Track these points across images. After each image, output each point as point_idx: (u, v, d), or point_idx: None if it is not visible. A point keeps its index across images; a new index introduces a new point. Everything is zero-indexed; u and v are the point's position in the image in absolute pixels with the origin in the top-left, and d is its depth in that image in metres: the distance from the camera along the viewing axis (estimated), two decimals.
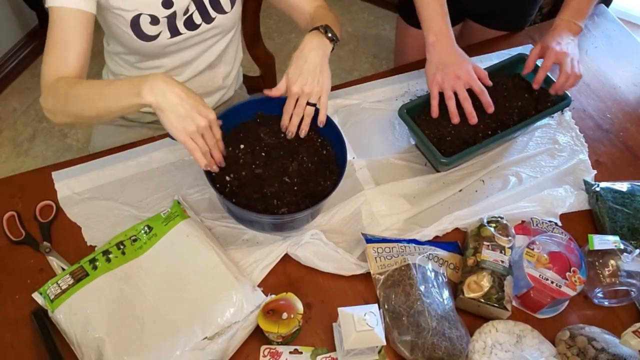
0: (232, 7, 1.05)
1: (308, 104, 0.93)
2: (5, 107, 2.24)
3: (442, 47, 1.04)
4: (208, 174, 0.89)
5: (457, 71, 1.02)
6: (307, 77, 0.91)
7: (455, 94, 1.02)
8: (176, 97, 0.79)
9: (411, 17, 1.37)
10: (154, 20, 0.97)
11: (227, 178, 0.92)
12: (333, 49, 0.97)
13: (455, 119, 1.02)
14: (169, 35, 1.00)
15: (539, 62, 1.08)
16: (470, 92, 1.03)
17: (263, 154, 0.95)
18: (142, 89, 0.79)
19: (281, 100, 1.03)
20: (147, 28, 0.98)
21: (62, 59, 0.90)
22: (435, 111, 1.03)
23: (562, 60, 1.04)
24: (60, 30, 0.90)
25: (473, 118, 1.02)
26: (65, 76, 0.89)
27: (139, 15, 0.95)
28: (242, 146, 0.96)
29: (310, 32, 0.95)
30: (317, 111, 0.95)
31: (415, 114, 1.07)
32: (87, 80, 0.89)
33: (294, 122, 0.95)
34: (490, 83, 1.05)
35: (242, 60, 1.27)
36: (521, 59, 1.14)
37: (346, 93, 1.20)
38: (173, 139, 1.02)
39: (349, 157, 0.99)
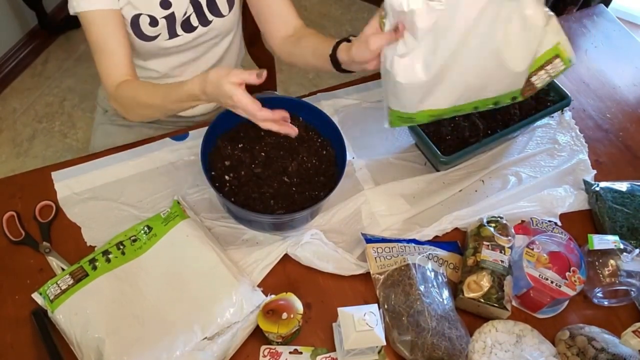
0: (229, 11, 1.05)
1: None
2: (5, 107, 2.24)
3: None
4: (208, 173, 0.89)
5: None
6: None
7: None
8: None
9: None
10: (153, 22, 0.97)
11: (227, 178, 0.92)
12: None
13: None
14: (167, 36, 1.01)
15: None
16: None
17: (263, 153, 0.95)
18: (199, 95, 0.82)
19: (281, 101, 1.03)
20: (147, 29, 0.98)
21: (113, 64, 0.94)
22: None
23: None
24: (101, 36, 0.92)
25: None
26: (123, 80, 0.94)
27: (138, 16, 0.96)
28: (241, 146, 0.96)
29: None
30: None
31: None
32: (146, 87, 0.94)
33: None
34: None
35: (242, 60, 1.27)
36: None
37: (346, 93, 1.20)
38: (173, 139, 1.03)
39: (348, 157, 0.99)
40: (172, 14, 0.98)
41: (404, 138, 1.13)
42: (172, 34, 1.01)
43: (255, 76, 0.75)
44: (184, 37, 1.02)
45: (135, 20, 0.96)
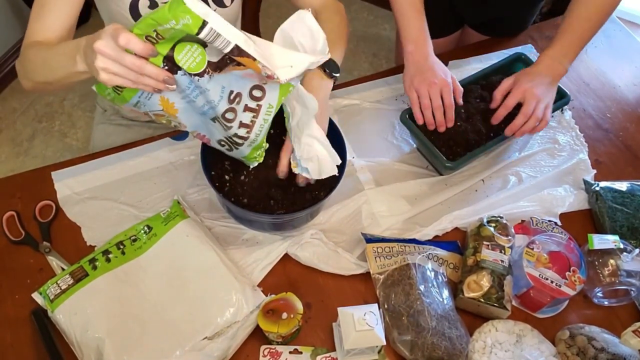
0: (232, 2, 1.05)
1: None
2: (4, 107, 2.24)
3: (419, 56, 1.04)
4: (208, 173, 0.89)
5: (434, 77, 1.01)
6: None
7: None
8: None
9: None
10: (153, 4, 0.96)
11: (227, 178, 0.92)
12: (335, 81, 0.95)
13: (431, 127, 1.01)
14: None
15: None
16: (481, 98, 1.03)
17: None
18: (77, 54, 0.72)
19: None
20: (145, 12, 0.96)
21: (41, 24, 0.86)
22: (419, 118, 1.02)
23: (526, 99, 0.97)
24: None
25: (442, 127, 1.01)
26: (40, 41, 0.85)
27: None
28: None
29: (310, 73, 0.92)
30: None
31: None
32: (46, 44, 0.83)
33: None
34: (461, 102, 1.03)
35: None
36: (519, 58, 1.14)
37: (346, 93, 1.20)
38: (173, 139, 1.02)
39: (348, 157, 0.99)
40: None
41: (404, 139, 1.13)
42: None
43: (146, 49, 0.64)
44: None
45: (134, 3, 0.94)
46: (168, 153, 1.08)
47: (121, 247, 0.92)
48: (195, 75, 0.68)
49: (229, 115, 0.75)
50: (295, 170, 0.87)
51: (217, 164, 0.93)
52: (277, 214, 0.89)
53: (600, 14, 1.01)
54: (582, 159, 1.11)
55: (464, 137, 1.03)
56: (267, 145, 0.87)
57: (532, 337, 0.86)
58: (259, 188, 0.91)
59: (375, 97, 1.21)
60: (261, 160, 0.89)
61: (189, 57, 0.66)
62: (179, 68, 0.67)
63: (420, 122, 1.03)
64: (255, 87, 0.74)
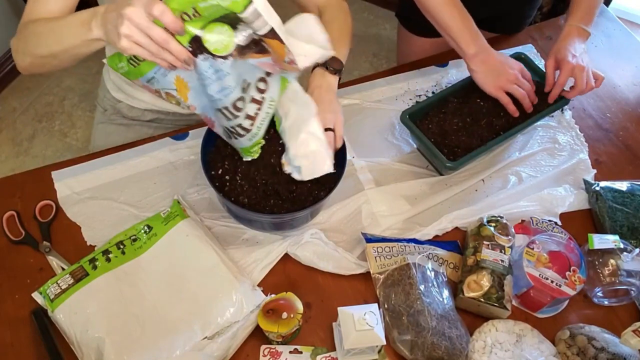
0: None
1: (327, 129, 0.90)
2: (4, 107, 2.24)
3: (486, 56, 1.05)
4: (208, 173, 0.89)
5: (511, 71, 1.05)
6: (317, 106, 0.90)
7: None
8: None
9: (415, 26, 1.36)
10: None
11: (227, 177, 0.92)
12: (340, 78, 0.97)
13: (530, 109, 1.06)
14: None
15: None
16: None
17: (262, 152, 0.95)
18: (92, 21, 0.72)
19: None
20: None
21: (41, 4, 0.84)
22: (514, 110, 1.05)
23: (578, 75, 1.03)
24: None
25: (531, 108, 1.06)
26: (39, 18, 0.83)
27: None
28: None
29: (313, 72, 0.95)
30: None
31: (417, 118, 1.06)
32: (50, 17, 0.82)
33: None
34: (535, 99, 1.07)
35: None
36: (519, 57, 1.14)
37: (346, 92, 1.20)
38: (173, 138, 1.02)
39: (348, 157, 0.99)
40: None
41: (404, 139, 1.13)
42: None
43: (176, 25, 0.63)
44: None
45: None
46: (168, 153, 1.08)
47: (121, 246, 0.92)
48: (220, 57, 0.68)
49: (239, 104, 0.75)
50: (287, 169, 0.87)
51: (217, 164, 0.93)
52: (277, 214, 0.89)
53: None
54: (582, 158, 1.11)
55: (464, 137, 1.03)
56: (264, 141, 0.88)
57: (532, 337, 0.86)
58: (259, 188, 0.91)
59: (375, 97, 1.21)
60: (256, 156, 0.89)
61: (218, 38, 0.66)
62: (203, 51, 0.67)
63: (515, 114, 1.05)
64: (261, 79, 0.75)
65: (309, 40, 0.75)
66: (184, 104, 0.78)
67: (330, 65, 0.94)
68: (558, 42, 1.07)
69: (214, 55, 0.68)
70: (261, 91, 0.76)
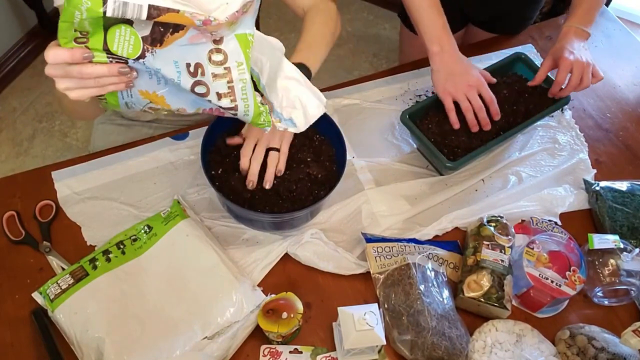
0: None
1: (270, 149, 0.90)
2: (4, 107, 2.24)
3: (447, 56, 1.03)
4: (208, 173, 0.89)
5: (469, 80, 1.01)
6: None
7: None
8: None
9: None
10: None
11: (227, 177, 0.92)
12: None
13: (475, 128, 1.02)
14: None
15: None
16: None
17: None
18: None
19: None
20: None
21: None
22: (456, 122, 1.02)
23: (575, 71, 1.02)
24: None
25: (488, 125, 1.02)
26: None
27: None
28: (241, 145, 0.96)
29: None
30: None
31: (417, 118, 1.06)
32: None
33: (253, 169, 0.89)
34: (494, 80, 1.06)
35: None
36: (518, 58, 1.14)
37: (346, 92, 1.20)
38: (173, 138, 1.02)
39: (348, 157, 0.99)
40: None
41: (404, 139, 1.13)
42: None
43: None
44: None
45: None
46: (168, 153, 1.08)
47: (121, 246, 0.92)
48: (137, 59, 0.63)
49: (199, 90, 0.69)
50: (280, 126, 0.78)
51: (217, 164, 0.93)
52: (277, 213, 0.89)
53: None
54: (582, 158, 1.11)
55: (464, 137, 1.03)
56: (267, 107, 0.76)
57: (532, 337, 0.86)
58: (259, 187, 0.91)
59: (375, 97, 1.21)
60: (270, 125, 0.77)
61: (123, 42, 0.61)
62: (121, 59, 0.62)
63: (456, 126, 1.02)
64: (212, 51, 0.67)
65: None
66: (174, 109, 0.74)
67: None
68: (556, 43, 1.07)
69: (134, 60, 0.63)
70: (220, 63, 0.68)
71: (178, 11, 0.58)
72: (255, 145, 0.90)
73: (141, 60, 0.63)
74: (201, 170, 0.89)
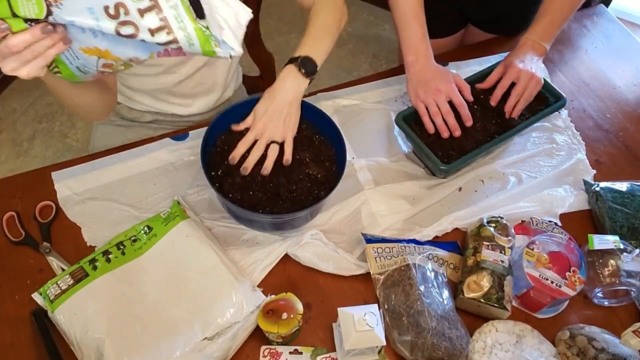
0: None
1: (272, 143, 0.90)
2: (4, 108, 2.24)
3: (421, 66, 1.05)
4: (208, 173, 0.89)
5: (438, 84, 1.03)
6: (272, 116, 0.90)
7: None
8: None
9: None
10: None
11: (227, 177, 0.92)
12: (311, 81, 0.94)
13: (445, 133, 1.03)
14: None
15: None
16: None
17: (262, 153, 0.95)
18: None
19: None
20: None
21: None
22: (430, 127, 1.04)
23: (522, 79, 1.04)
24: None
25: (457, 130, 1.03)
26: None
27: None
28: None
29: (286, 67, 0.92)
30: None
31: (413, 120, 1.06)
32: None
33: (251, 158, 0.89)
34: (470, 98, 1.05)
35: (242, 60, 1.27)
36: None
37: (346, 93, 1.20)
38: (173, 139, 1.01)
39: (348, 157, 0.99)
40: None
41: (404, 140, 1.13)
42: None
43: None
44: None
45: None
46: (168, 153, 1.08)
47: (121, 247, 0.92)
48: (47, 17, 0.61)
49: (126, 31, 0.63)
50: (219, 51, 0.67)
51: (217, 165, 0.93)
52: (277, 214, 0.89)
53: (573, 2, 1.09)
54: (580, 158, 1.11)
55: (459, 139, 1.03)
56: (210, 30, 0.65)
57: (532, 338, 0.86)
58: (259, 188, 0.91)
59: (375, 97, 1.21)
60: (234, 51, 0.67)
61: (27, 3, 0.59)
62: (34, 21, 0.60)
63: (431, 131, 1.04)
64: None
65: None
66: (126, 60, 0.69)
67: (303, 67, 0.91)
68: (511, 52, 1.09)
69: (44, 19, 0.61)
70: None
71: None
72: (256, 140, 0.90)
73: (51, 18, 0.61)
74: (201, 171, 0.89)
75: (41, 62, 0.65)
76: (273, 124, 0.90)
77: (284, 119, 0.91)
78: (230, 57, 0.67)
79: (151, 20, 0.62)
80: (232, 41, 0.66)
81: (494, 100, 1.07)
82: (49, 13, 0.60)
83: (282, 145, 0.91)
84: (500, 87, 1.05)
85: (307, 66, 0.91)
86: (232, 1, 0.66)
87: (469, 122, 1.03)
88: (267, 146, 0.91)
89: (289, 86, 0.91)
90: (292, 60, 0.92)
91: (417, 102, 1.04)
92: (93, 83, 0.87)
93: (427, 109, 1.03)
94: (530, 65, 1.05)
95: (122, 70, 0.72)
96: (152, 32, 0.63)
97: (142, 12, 0.62)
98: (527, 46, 1.08)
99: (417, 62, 1.06)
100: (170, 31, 0.64)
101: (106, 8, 0.61)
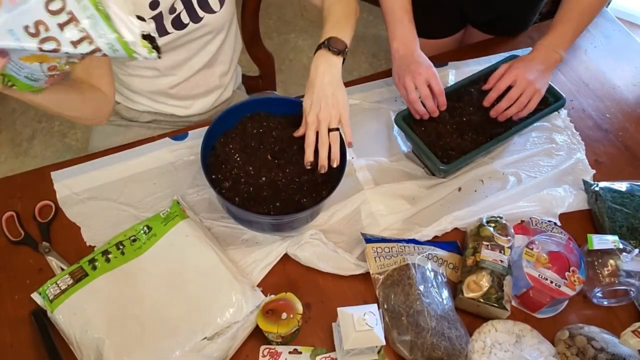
0: (220, 7, 1.04)
1: (330, 130, 0.91)
2: (4, 107, 2.24)
3: (405, 52, 1.06)
4: (207, 173, 0.89)
5: (418, 68, 1.03)
6: (319, 104, 0.90)
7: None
8: None
9: (418, 28, 1.37)
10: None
11: (226, 178, 0.92)
12: (344, 59, 0.95)
13: (425, 116, 1.04)
14: (157, 35, 0.98)
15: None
16: (460, 101, 1.05)
17: (262, 153, 0.95)
18: None
19: (281, 101, 1.03)
20: None
21: None
22: (415, 113, 1.05)
23: (517, 83, 1.03)
24: None
25: (435, 112, 1.04)
26: None
27: None
28: (241, 146, 0.96)
29: (316, 54, 0.93)
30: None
31: (412, 120, 1.07)
32: None
33: (322, 155, 0.90)
34: (444, 105, 1.05)
35: (241, 60, 1.27)
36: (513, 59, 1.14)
37: (346, 93, 1.20)
38: (173, 139, 1.02)
39: (348, 157, 0.99)
40: (160, 12, 0.97)
41: (403, 141, 1.13)
42: (162, 32, 1.00)
43: None
44: (174, 34, 1.02)
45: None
46: (167, 153, 1.08)
47: (121, 247, 0.92)
48: None
49: (48, 46, 0.63)
50: (139, 55, 0.69)
51: (217, 165, 0.93)
52: (277, 215, 0.89)
53: (593, 7, 1.06)
54: (580, 158, 1.11)
55: (459, 139, 1.03)
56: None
57: (532, 338, 0.86)
58: (259, 188, 0.91)
59: (375, 97, 1.21)
60: (152, 52, 0.69)
61: None
62: None
63: (417, 116, 1.04)
64: (47, 2, 0.61)
65: None
66: (67, 59, 0.70)
67: (332, 45, 0.92)
68: (522, 57, 1.08)
69: None
70: (58, 11, 0.62)
71: None
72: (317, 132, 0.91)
73: None
74: (201, 171, 0.89)
75: None
76: (323, 111, 0.90)
77: (330, 102, 0.91)
78: (159, 57, 0.69)
79: (71, 33, 0.63)
80: (139, 49, 0.68)
81: (487, 102, 1.06)
82: None
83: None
84: (496, 89, 1.05)
85: (335, 44, 0.92)
86: (123, 15, 0.66)
87: (443, 107, 1.05)
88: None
89: (322, 70, 0.92)
90: (319, 47, 0.93)
91: (399, 86, 1.05)
92: (76, 95, 0.88)
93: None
94: (532, 74, 1.04)
95: (68, 70, 0.72)
96: (74, 44, 0.64)
97: (61, 26, 0.63)
98: (538, 53, 1.07)
99: (401, 48, 1.07)
100: (92, 41, 0.64)
101: (26, 27, 0.62)
